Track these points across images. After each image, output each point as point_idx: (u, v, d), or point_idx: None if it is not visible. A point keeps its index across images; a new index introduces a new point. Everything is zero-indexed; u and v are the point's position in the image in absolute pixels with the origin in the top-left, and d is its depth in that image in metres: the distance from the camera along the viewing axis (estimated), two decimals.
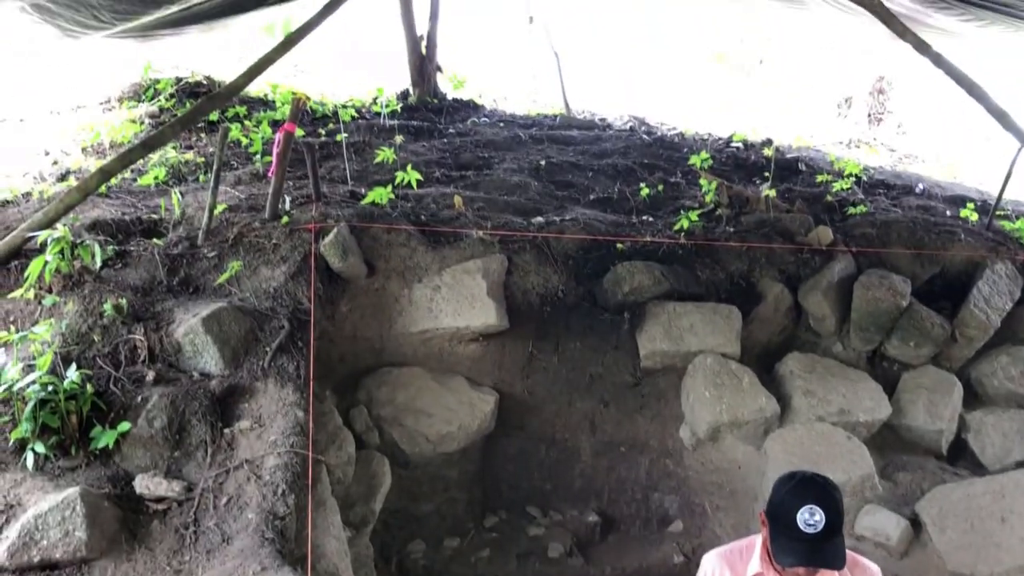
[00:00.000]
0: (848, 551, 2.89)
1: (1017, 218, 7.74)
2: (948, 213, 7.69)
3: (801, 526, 2.74)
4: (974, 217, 7.46)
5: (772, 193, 7.12)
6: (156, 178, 6.42)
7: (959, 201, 8.09)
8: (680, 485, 6.25)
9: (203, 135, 7.67)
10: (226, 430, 4.25)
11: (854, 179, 8.21)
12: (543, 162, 7.83)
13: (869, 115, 13.65)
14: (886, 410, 5.97)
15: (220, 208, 5.63)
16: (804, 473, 2.95)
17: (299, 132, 6.73)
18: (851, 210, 7.28)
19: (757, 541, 3.08)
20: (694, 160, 7.91)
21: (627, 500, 6.34)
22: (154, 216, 5.67)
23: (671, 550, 5.99)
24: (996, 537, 5.04)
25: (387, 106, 8.84)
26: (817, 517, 2.74)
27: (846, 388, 5.98)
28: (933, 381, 6.30)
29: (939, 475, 5.95)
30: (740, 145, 9.41)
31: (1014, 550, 4.99)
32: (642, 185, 7.42)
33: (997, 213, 7.50)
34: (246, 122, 7.96)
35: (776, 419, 5.73)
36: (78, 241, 4.84)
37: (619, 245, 6.28)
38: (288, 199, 5.80)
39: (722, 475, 5.92)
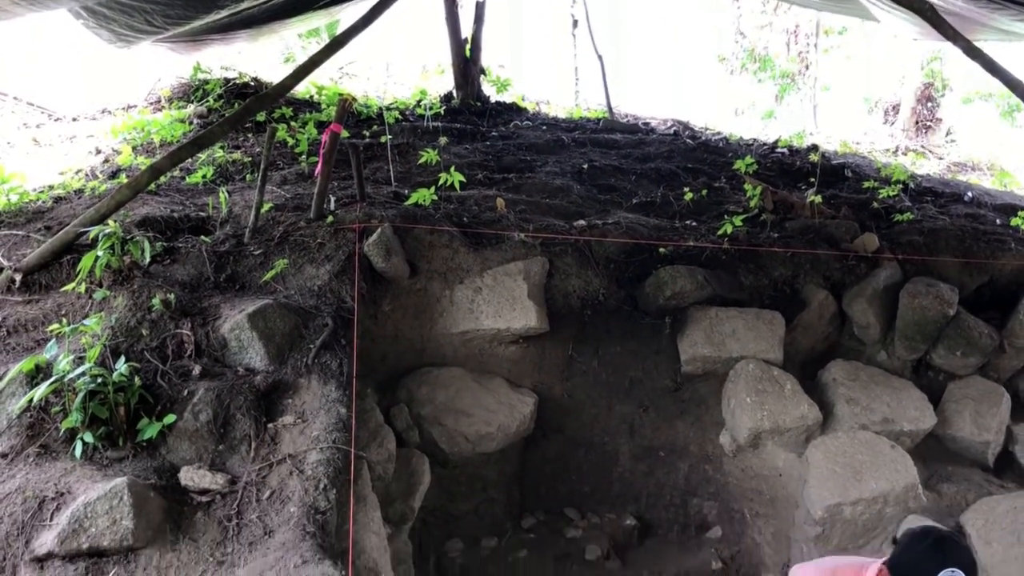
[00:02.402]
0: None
1: None
2: (998, 222, 7.56)
3: None
4: None
5: (818, 199, 7.06)
6: (204, 177, 6.54)
7: (1010, 210, 7.95)
8: (719, 491, 6.21)
9: (250, 135, 7.80)
10: (270, 425, 4.30)
11: (901, 186, 8.11)
12: (586, 165, 7.84)
13: (917, 122, 13.47)
14: (931, 420, 5.87)
15: (266, 207, 5.71)
16: (940, 531, 2.77)
17: (344, 133, 6.82)
18: (898, 217, 7.19)
19: None
20: (739, 165, 7.86)
21: (665, 505, 6.32)
22: (202, 214, 5.78)
23: (709, 556, 5.96)
24: None
25: (431, 109, 8.92)
26: None
27: (890, 397, 5.89)
28: (980, 392, 6.18)
29: (985, 487, 5.84)
30: (785, 150, 9.34)
31: None
32: (686, 189, 7.39)
33: None
34: (292, 123, 8.08)
35: (818, 427, 5.67)
36: (128, 237, 4.96)
37: (661, 249, 6.25)
38: (333, 199, 5.88)
39: (762, 482, 5.87)
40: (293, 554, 3.61)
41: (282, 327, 4.70)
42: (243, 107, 6.01)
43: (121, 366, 4.14)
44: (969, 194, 8.58)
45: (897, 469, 5.33)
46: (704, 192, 7.43)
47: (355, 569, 3.86)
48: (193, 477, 3.97)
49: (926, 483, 5.73)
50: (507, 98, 10.42)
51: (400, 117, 8.76)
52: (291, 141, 7.47)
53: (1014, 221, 7.40)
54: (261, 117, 8.01)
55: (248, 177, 6.64)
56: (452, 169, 6.45)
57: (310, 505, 3.89)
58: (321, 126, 7.56)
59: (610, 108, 10.93)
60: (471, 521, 5.86)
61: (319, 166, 5.54)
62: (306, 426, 4.31)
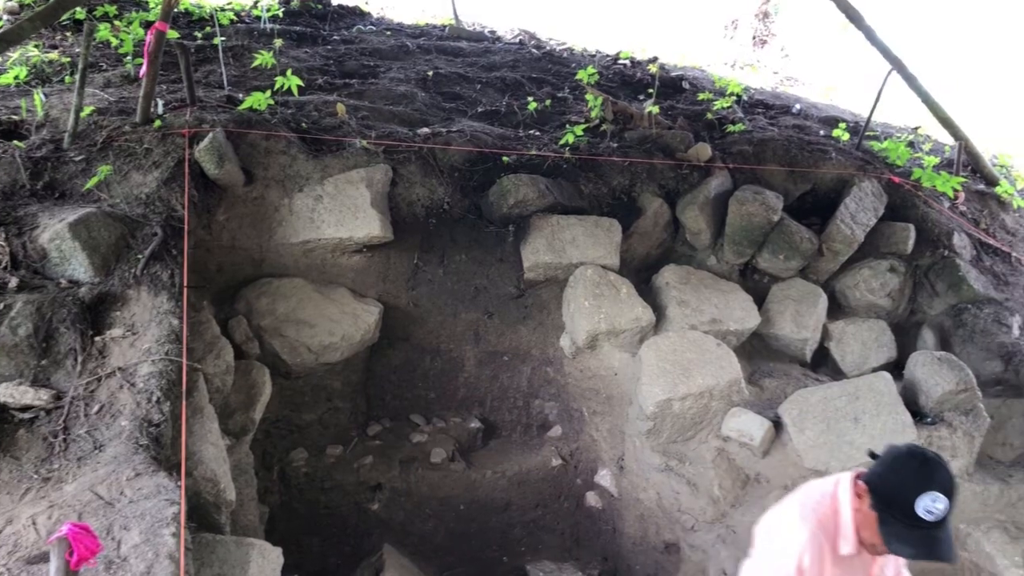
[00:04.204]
0: None
1: (885, 139, 8.12)
2: (822, 133, 7.99)
3: (921, 513, 2.50)
4: (845, 137, 7.78)
5: (655, 110, 7.24)
6: (16, 77, 6.06)
7: (832, 122, 8.40)
8: (560, 392, 6.45)
9: (69, 34, 7.26)
10: (97, 338, 4.13)
11: (734, 98, 8.41)
12: (431, 73, 7.73)
13: (754, 37, 13.92)
14: (755, 320, 6.25)
15: (88, 111, 5.37)
16: (926, 453, 2.60)
17: (173, 34, 6.45)
18: (730, 128, 7.48)
19: (843, 509, 2.77)
20: (581, 75, 7.93)
21: (509, 407, 6.52)
22: (14, 117, 5.37)
23: (550, 454, 6.23)
24: (849, 436, 5.39)
25: (268, 10, 8.53)
26: (940, 505, 2.50)
27: (718, 299, 6.22)
28: (800, 293, 6.61)
29: (802, 381, 6.28)
30: (627, 62, 9.48)
31: (864, 448, 5.31)
32: (530, 99, 7.43)
33: (867, 133, 7.83)
34: (117, 22, 7.55)
35: (651, 328, 5.94)
36: None
37: (505, 158, 6.30)
38: (161, 103, 5.58)
39: (599, 381, 6.12)
40: (126, 467, 3.53)
41: (107, 237, 4.48)
42: (56, 1, 5.55)
43: None
44: (797, 106, 9.00)
45: (722, 366, 5.66)
46: (548, 102, 7.49)
47: (193, 480, 3.82)
48: (13, 394, 3.79)
49: (750, 378, 6.14)
50: (349, 1, 10.07)
51: (235, 19, 8.33)
52: (115, 41, 6.99)
53: (836, 132, 7.84)
54: (81, 15, 7.44)
55: (67, 79, 6.20)
56: (289, 73, 6.22)
57: (143, 418, 3.79)
58: (148, 26, 7.09)
59: (456, 15, 10.74)
60: (316, 431, 5.88)
61: (144, 67, 5.23)
62: (136, 338, 4.17)
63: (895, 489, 2.55)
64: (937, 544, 2.53)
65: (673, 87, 8.72)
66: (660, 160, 6.61)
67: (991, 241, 7.35)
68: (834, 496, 2.79)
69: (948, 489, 2.52)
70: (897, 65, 7.51)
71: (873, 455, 2.78)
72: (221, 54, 6.53)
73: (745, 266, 6.76)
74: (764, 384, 6.24)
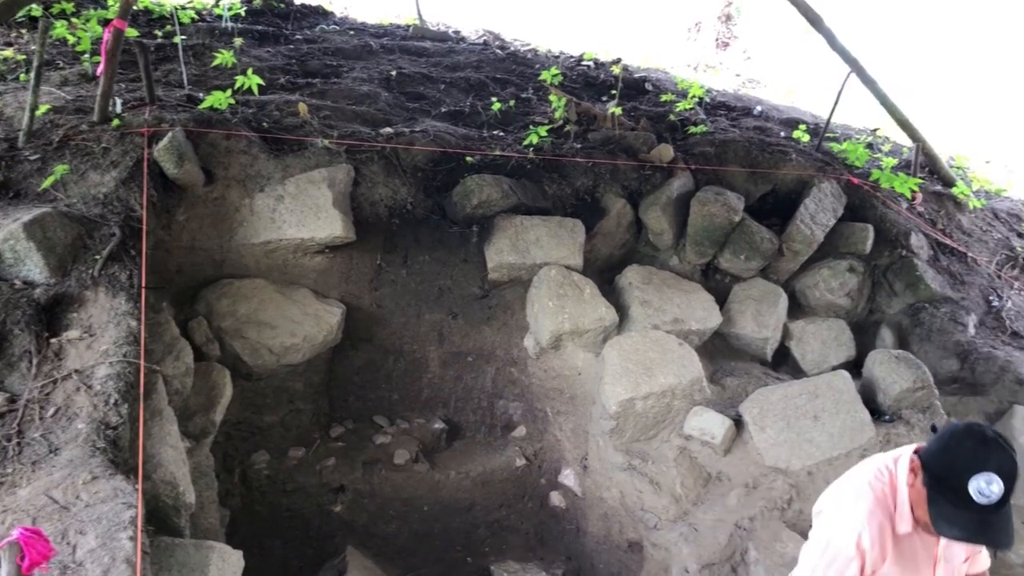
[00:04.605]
0: None
1: (844, 140, 8.23)
2: (782, 134, 8.07)
3: (973, 494, 2.34)
4: (805, 138, 7.88)
5: (618, 111, 7.28)
6: None
7: (793, 123, 8.50)
8: (524, 392, 6.46)
9: (24, 31, 7.12)
10: (53, 340, 4.07)
11: (697, 100, 8.47)
12: (394, 73, 7.70)
13: (717, 40, 14.06)
14: (717, 319, 6.31)
15: (43, 109, 5.29)
16: (984, 431, 2.42)
17: (131, 32, 6.37)
18: (692, 129, 7.54)
19: (900, 485, 2.62)
20: (545, 76, 7.95)
21: (473, 408, 6.52)
22: None
23: (514, 454, 6.24)
24: (809, 434, 5.46)
25: (230, 9, 8.44)
26: (994, 487, 2.34)
27: (681, 299, 6.27)
28: (761, 292, 6.69)
29: (763, 379, 6.34)
30: (591, 63, 9.51)
31: (823, 445, 5.41)
32: (494, 99, 7.43)
33: (826, 135, 7.93)
34: (75, 20, 7.43)
35: (615, 328, 5.97)
36: None
37: (469, 159, 6.29)
38: (119, 102, 5.50)
39: (563, 381, 6.14)
40: (82, 470, 3.49)
41: (64, 237, 4.42)
42: None
43: None
44: (759, 108, 9.09)
45: (684, 365, 5.70)
46: (512, 103, 7.49)
47: (151, 483, 3.78)
48: None
49: (711, 377, 6.19)
50: (312, 0, 10.01)
51: (196, 17, 8.25)
52: (72, 39, 6.88)
53: (796, 134, 7.93)
54: (37, 12, 7.32)
55: (22, 77, 6.09)
56: (250, 72, 6.17)
57: (100, 421, 3.74)
58: (106, 23, 6.99)
59: (420, 15, 10.71)
60: (278, 433, 5.83)
61: (102, 65, 5.16)
62: (94, 340, 4.12)
63: (947, 468, 2.42)
64: (989, 528, 2.38)
65: (636, 88, 8.77)
66: (623, 161, 6.65)
67: (948, 241, 7.48)
68: (892, 471, 2.67)
69: (1007, 471, 2.35)
70: (856, 68, 7.63)
71: (934, 428, 2.64)
72: (181, 53, 6.45)
73: (707, 266, 6.81)
74: (726, 383, 6.30)
